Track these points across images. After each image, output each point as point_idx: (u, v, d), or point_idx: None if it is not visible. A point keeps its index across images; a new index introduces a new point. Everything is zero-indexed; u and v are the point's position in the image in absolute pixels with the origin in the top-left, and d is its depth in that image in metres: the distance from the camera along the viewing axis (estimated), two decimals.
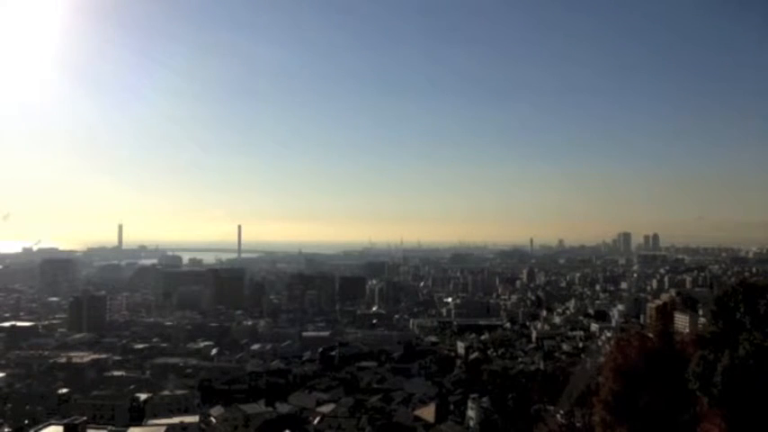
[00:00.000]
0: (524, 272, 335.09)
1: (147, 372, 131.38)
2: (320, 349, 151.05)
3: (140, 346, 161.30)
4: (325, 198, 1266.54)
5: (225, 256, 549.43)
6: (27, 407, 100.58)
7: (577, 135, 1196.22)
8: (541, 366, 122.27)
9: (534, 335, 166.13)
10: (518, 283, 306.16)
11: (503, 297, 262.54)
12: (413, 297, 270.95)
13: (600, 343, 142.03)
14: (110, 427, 59.43)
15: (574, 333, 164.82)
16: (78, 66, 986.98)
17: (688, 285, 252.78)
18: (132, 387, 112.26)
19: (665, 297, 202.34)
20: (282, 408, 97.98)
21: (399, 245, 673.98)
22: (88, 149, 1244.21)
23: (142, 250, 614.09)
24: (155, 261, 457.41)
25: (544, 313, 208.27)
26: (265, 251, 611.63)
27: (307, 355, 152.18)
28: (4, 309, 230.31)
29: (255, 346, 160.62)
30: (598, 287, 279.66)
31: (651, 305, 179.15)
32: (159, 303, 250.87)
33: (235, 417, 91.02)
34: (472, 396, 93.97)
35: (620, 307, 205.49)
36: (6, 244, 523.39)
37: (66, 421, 52.59)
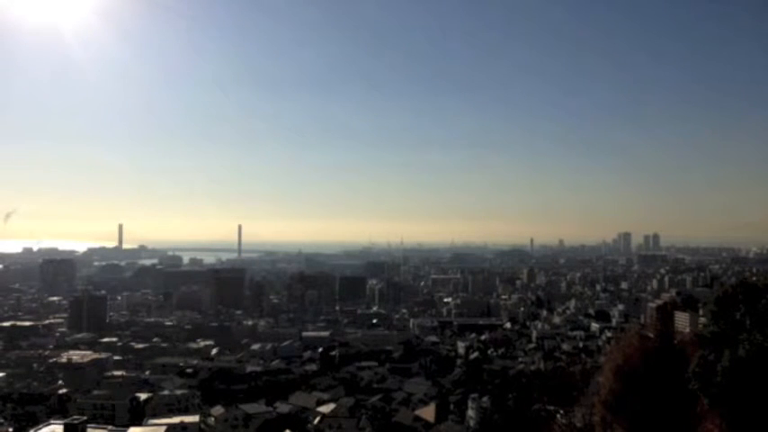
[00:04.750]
0: (524, 272, 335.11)
1: (147, 372, 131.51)
2: (320, 349, 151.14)
3: (140, 345, 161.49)
4: (326, 198, 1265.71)
5: (225, 256, 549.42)
6: (27, 407, 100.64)
7: (578, 135, 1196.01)
8: (542, 366, 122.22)
9: (534, 335, 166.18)
10: (518, 283, 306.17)
11: (503, 297, 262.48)
12: (413, 297, 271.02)
13: (600, 343, 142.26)
14: (110, 427, 59.22)
15: (574, 333, 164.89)
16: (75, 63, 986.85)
17: (688, 285, 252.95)
18: (132, 387, 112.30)
19: (665, 297, 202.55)
20: (282, 408, 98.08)
21: (399, 245, 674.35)
22: (87, 149, 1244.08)
23: (142, 250, 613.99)
24: (155, 261, 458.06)
25: (544, 313, 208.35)
26: (265, 251, 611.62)
27: (307, 354, 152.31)
28: (5, 308, 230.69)
29: (255, 346, 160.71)
30: (598, 287, 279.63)
31: (651, 305, 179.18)
32: (159, 303, 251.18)
33: (235, 416, 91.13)
34: (472, 396, 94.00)
35: (621, 307, 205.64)
36: (6, 244, 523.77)
37: (66, 421, 52.42)
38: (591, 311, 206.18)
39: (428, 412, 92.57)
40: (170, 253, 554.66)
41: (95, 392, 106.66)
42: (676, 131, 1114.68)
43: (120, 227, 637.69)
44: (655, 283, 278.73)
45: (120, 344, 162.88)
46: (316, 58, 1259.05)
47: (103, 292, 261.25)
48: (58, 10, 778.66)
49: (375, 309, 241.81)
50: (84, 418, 57.75)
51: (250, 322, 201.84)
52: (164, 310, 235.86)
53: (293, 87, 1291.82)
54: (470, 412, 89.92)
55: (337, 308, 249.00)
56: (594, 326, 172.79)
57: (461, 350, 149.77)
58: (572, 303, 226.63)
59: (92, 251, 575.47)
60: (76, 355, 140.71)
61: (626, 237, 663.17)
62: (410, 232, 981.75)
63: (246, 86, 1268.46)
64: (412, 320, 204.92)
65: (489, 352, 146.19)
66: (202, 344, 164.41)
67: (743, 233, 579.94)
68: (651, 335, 13.46)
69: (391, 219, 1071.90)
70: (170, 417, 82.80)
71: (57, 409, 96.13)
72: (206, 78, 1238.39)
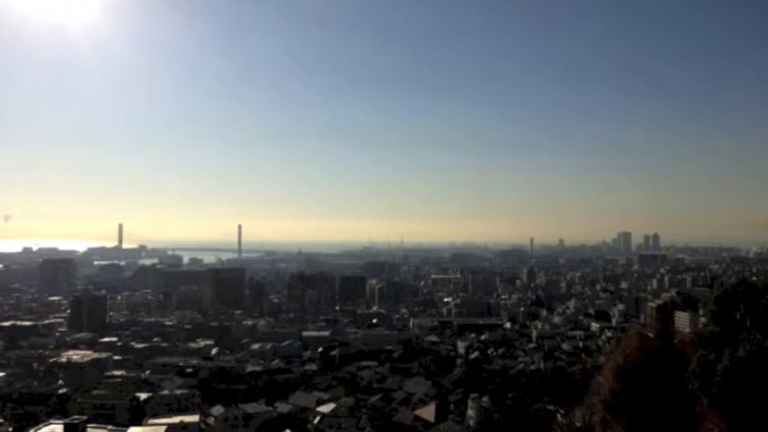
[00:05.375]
0: (524, 272, 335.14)
1: (147, 371, 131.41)
2: (320, 349, 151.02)
3: (140, 345, 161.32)
4: (326, 198, 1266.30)
5: (225, 256, 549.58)
6: (27, 407, 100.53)
7: (578, 135, 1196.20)
8: (542, 366, 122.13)
9: (534, 334, 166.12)
10: (518, 282, 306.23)
11: (503, 297, 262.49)
12: (413, 297, 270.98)
13: (600, 343, 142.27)
14: (110, 427, 59.19)
15: (574, 333, 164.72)
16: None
17: (688, 285, 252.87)
18: (132, 387, 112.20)
19: (665, 297, 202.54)
20: (283, 407, 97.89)
21: (399, 245, 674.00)
22: (87, 149, 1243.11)
23: (142, 250, 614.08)
24: (155, 261, 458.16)
25: (544, 313, 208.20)
26: (265, 251, 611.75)
27: (307, 354, 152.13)
28: (5, 308, 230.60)
29: (255, 346, 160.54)
30: (598, 287, 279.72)
31: (651, 305, 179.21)
32: (159, 303, 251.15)
33: (235, 416, 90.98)
34: (472, 396, 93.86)
35: (621, 306, 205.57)
36: (6, 244, 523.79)
37: (66, 421, 52.49)
38: (591, 311, 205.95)
39: (428, 412, 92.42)
40: (170, 253, 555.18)
41: (95, 392, 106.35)
42: (676, 131, 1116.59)
43: (120, 227, 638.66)
44: (655, 283, 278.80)
45: (120, 344, 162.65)
46: (317, 56, 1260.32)
47: (103, 291, 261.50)
48: (55, 8, 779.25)
49: (375, 309, 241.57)
50: (85, 417, 57.80)
51: (250, 322, 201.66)
52: (164, 310, 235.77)
53: (294, 86, 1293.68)
54: (470, 412, 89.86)
55: (337, 308, 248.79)
56: (594, 326, 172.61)
57: (461, 350, 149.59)
58: (572, 303, 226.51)
59: (92, 251, 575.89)
60: (76, 355, 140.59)
61: (626, 237, 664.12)
62: (410, 232, 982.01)
63: (247, 85, 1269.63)
64: (412, 320, 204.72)
65: (489, 352, 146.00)
66: (202, 344, 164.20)
67: (743, 233, 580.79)
68: (651, 335, 13.47)
69: (391, 218, 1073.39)
70: (170, 417, 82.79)
71: (57, 409, 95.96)
72: (206, 77, 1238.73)
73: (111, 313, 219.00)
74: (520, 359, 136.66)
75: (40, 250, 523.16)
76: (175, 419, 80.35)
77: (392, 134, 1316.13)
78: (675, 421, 11.61)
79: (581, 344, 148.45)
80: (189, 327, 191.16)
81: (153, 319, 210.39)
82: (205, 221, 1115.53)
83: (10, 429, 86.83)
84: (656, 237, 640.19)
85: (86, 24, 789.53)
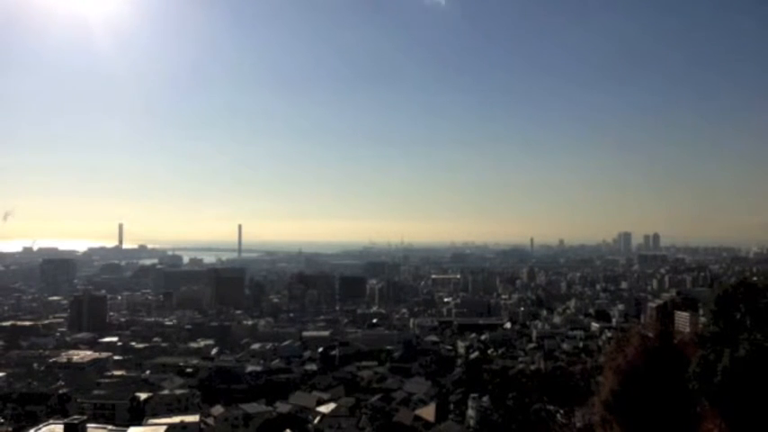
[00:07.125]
0: (524, 272, 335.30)
1: (147, 371, 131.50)
2: (320, 349, 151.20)
3: (140, 345, 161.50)
4: (326, 198, 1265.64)
5: (225, 256, 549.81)
6: (27, 407, 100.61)
7: (578, 134, 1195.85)
8: (542, 366, 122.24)
9: (534, 334, 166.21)
10: (518, 282, 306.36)
11: (503, 297, 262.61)
12: (413, 297, 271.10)
13: (600, 343, 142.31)
14: (110, 427, 59.16)
15: (574, 333, 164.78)
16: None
17: (688, 285, 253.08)
18: (132, 387, 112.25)
19: (665, 297, 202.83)
20: (283, 407, 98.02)
21: (400, 245, 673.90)
22: (87, 148, 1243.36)
23: (142, 250, 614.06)
24: (155, 261, 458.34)
25: (544, 313, 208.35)
26: (265, 251, 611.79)
27: (307, 354, 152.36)
28: (5, 308, 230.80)
29: (255, 346, 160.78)
30: (598, 287, 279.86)
31: (651, 305, 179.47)
32: (159, 303, 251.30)
33: (235, 416, 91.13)
34: (472, 396, 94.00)
35: (621, 307, 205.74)
36: (6, 244, 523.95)
37: (66, 421, 52.40)
38: (591, 311, 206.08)
39: (428, 412, 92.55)
40: (170, 253, 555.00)
41: (95, 392, 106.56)
42: (676, 131, 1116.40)
43: (121, 227, 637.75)
44: (655, 283, 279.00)
45: (120, 344, 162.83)
46: (320, 54, 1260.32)
47: (103, 291, 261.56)
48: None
49: (375, 308, 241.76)
50: (84, 417, 57.73)
51: (250, 322, 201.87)
52: (164, 310, 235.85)
53: (295, 84, 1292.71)
54: (470, 412, 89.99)
55: (337, 308, 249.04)
56: (594, 326, 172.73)
57: (461, 350, 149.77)
58: (572, 303, 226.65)
59: (92, 251, 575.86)
60: (76, 355, 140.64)
61: (626, 237, 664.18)
62: (410, 232, 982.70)
63: (248, 84, 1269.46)
64: (412, 320, 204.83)
65: (489, 352, 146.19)
66: (202, 344, 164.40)
67: (743, 233, 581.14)
68: (651, 335, 13.45)
69: (391, 218, 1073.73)
70: (170, 416, 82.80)
71: (57, 409, 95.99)
72: (205, 75, 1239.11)
73: (111, 313, 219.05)
74: (520, 359, 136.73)
75: (40, 250, 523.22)
76: (175, 419, 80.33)
77: (393, 133, 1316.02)
78: (675, 421, 11.61)
79: (581, 344, 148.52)
80: (189, 327, 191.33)
81: (153, 319, 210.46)
82: (205, 221, 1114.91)
83: (10, 429, 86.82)
84: (656, 237, 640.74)
85: (81, 24, 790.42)
